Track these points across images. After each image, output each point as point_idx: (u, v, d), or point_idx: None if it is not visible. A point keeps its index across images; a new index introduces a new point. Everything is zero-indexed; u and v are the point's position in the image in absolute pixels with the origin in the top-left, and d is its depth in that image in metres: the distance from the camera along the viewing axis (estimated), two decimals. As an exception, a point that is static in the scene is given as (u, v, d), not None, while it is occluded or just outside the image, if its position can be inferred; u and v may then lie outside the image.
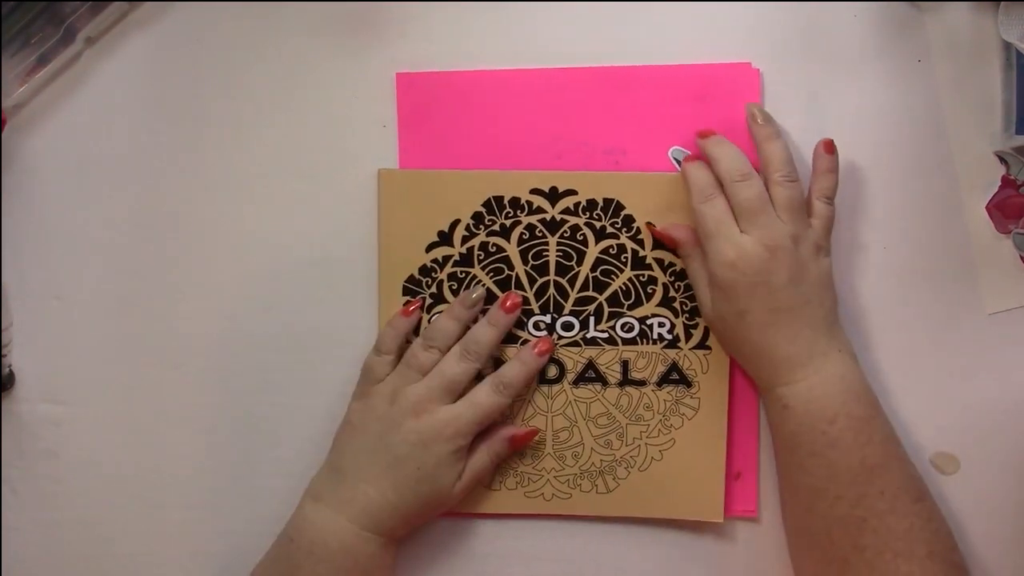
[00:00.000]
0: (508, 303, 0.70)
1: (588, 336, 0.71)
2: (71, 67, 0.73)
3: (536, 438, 0.71)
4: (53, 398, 0.74)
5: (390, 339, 0.71)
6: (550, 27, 0.72)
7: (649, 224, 0.70)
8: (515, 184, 0.71)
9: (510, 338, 0.71)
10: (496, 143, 0.72)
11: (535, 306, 0.71)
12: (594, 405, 0.71)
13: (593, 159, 0.71)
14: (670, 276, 0.71)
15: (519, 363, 0.70)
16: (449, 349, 0.70)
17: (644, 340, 0.71)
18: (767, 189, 0.67)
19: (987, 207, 0.71)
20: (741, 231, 0.66)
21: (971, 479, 0.71)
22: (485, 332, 0.70)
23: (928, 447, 0.71)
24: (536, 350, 0.70)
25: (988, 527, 0.71)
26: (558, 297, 0.71)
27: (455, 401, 0.69)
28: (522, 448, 0.71)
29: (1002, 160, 0.71)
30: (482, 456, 0.70)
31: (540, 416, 0.72)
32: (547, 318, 0.71)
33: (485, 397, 0.69)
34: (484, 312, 0.71)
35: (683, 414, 0.71)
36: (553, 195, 0.70)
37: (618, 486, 0.72)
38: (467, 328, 0.70)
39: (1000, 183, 0.71)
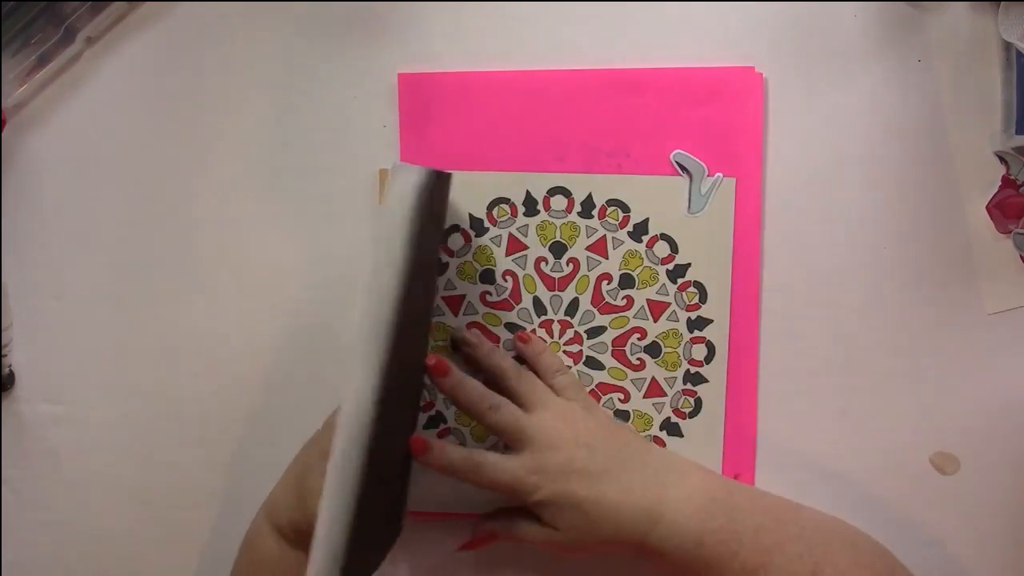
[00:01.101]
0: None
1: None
2: (71, 67, 0.73)
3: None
4: (53, 398, 0.74)
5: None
6: (553, 28, 0.72)
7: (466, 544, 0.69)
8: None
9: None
10: (498, 145, 0.71)
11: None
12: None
13: (596, 161, 0.71)
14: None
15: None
16: None
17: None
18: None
19: (987, 207, 0.71)
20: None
21: (971, 479, 0.71)
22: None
23: (928, 447, 0.71)
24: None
25: (988, 527, 0.71)
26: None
27: None
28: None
29: (1002, 160, 0.71)
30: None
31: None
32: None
33: None
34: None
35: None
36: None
37: None
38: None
39: (1000, 183, 0.71)
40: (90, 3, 0.71)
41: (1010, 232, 0.71)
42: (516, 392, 0.67)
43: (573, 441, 0.65)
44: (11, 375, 0.73)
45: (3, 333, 0.72)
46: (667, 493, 0.64)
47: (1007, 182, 0.70)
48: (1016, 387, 0.71)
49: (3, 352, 0.72)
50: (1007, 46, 0.69)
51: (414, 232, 0.56)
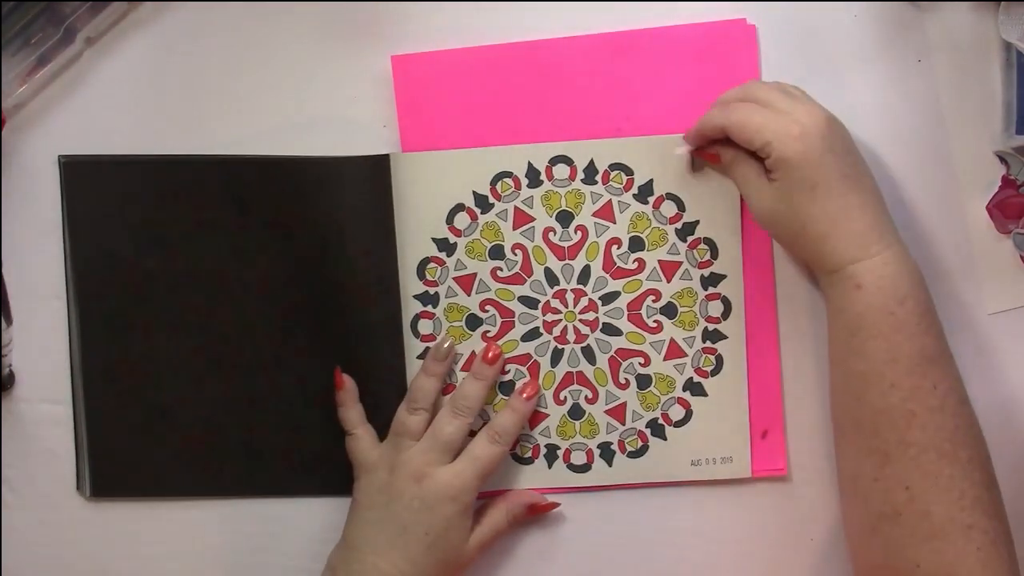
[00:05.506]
0: (490, 355, 0.70)
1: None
2: (71, 67, 0.73)
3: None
4: (53, 398, 0.74)
5: (353, 417, 0.71)
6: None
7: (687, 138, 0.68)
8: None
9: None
10: (495, 119, 0.71)
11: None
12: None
13: (595, 127, 0.71)
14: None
15: (511, 411, 0.70)
16: (433, 407, 0.70)
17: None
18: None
19: (987, 207, 0.71)
20: None
21: (971, 479, 0.71)
22: (473, 387, 0.70)
23: (928, 447, 0.71)
24: (525, 395, 0.71)
25: (988, 527, 0.70)
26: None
27: (453, 459, 0.69)
28: (540, 515, 0.72)
29: (1002, 160, 0.71)
30: (499, 516, 0.70)
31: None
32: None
33: (483, 450, 0.69)
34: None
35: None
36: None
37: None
38: (444, 381, 0.71)
39: (1000, 183, 0.71)
40: (90, 3, 0.70)
41: (1010, 232, 0.71)
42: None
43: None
44: (11, 375, 0.73)
45: (3, 333, 0.72)
46: (896, 241, 0.64)
47: (1007, 182, 0.71)
48: (1016, 387, 0.71)
49: (3, 352, 0.72)
50: (1007, 46, 0.69)
51: None
